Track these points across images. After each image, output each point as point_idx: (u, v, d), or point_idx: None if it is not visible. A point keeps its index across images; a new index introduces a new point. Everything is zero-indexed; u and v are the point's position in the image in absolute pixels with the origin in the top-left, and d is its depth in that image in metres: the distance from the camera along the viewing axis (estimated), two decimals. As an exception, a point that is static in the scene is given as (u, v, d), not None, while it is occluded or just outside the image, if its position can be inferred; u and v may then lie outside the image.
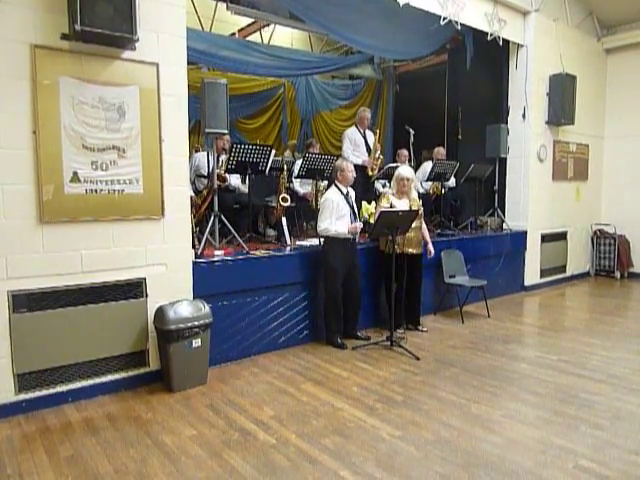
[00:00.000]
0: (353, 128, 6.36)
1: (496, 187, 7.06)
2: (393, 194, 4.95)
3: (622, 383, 3.84)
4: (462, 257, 5.95)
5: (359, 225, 4.64)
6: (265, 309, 4.48)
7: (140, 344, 3.80)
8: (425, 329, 5.22)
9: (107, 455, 2.83)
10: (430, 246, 5.16)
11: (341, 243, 4.60)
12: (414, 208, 4.85)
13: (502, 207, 7.27)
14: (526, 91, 6.98)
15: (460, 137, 7.97)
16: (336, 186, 4.70)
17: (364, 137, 6.30)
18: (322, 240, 4.75)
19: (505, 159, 7.19)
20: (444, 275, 5.73)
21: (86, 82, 3.43)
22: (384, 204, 4.88)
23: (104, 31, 3.19)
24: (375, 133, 6.37)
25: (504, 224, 7.12)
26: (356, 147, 6.24)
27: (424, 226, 5.18)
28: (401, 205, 4.86)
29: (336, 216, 4.55)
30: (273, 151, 5.18)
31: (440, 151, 7.05)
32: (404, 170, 4.99)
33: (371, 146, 6.27)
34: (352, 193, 4.75)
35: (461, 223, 7.03)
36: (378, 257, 5.08)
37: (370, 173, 6.16)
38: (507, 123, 7.17)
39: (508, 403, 3.51)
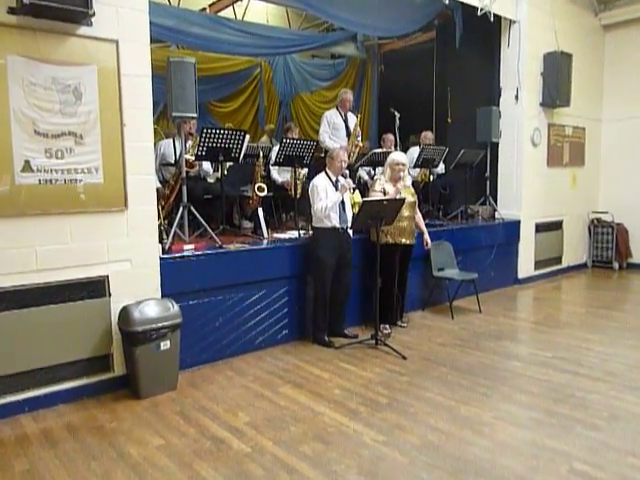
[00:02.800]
0: (334, 110, 6.36)
1: (487, 174, 7.10)
2: (386, 181, 4.98)
3: (619, 380, 3.89)
4: (452, 249, 5.98)
5: (349, 181, 4.65)
6: (240, 307, 4.47)
7: (103, 348, 3.76)
8: (404, 324, 5.26)
9: (67, 469, 2.79)
10: (427, 236, 5.25)
11: (332, 234, 4.61)
12: (409, 197, 4.93)
13: (494, 195, 7.31)
14: (519, 71, 7.01)
15: (449, 120, 8.00)
16: (326, 173, 4.75)
17: (345, 121, 6.29)
18: (311, 231, 4.80)
19: (497, 144, 7.23)
20: (433, 268, 5.75)
21: (38, 61, 3.35)
22: (377, 189, 4.91)
23: (55, 4, 3.11)
24: (357, 117, 6.38)
25: (496, 213, 7.18)
26: (335, 131, 6.24)
27: (419, 215, 5.24)
28: (394, 193, 4.89)
29: (327, 199, 4.60)
30: (247, 136, 5.19)
31: (427, 135, 7.06)
32: (398, 155, 5.01)
33: (351, 131, 6.27)
34: (341, 180, 4.78)
35: (450, 212, 7.07)
36: (368, 249, 5.12)
37: (347, 160, 6.15)
38: (499, 105, 7.21)
39: (499, 404, 3.53)
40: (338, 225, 4.66)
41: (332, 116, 6.27)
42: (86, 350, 3.69)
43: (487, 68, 7.38)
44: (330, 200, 4.57)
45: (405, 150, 7.11)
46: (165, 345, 3.70)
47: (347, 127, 6.28)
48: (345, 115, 6.30)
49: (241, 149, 4.97)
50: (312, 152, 5.40)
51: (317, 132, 6.52)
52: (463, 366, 4.22)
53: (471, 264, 6.32)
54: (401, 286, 5.23)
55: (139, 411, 3.48)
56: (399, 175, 4.91)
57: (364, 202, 4.45)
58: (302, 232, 5.18)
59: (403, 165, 4.92)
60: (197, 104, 4.25)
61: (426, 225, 5.55)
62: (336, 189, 4.71)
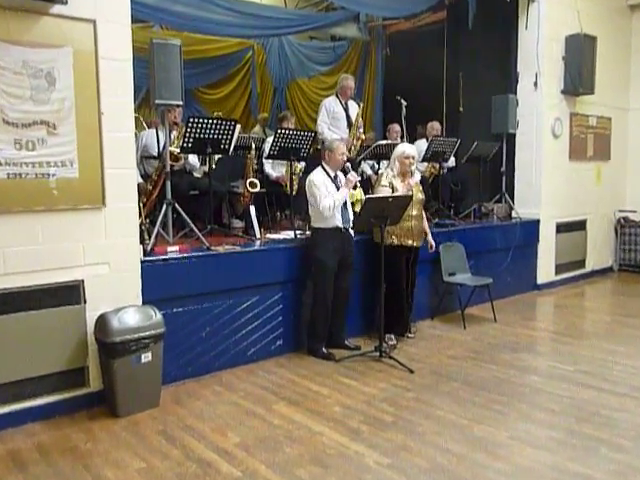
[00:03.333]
0: (333, 98, 6.37)
1: (503, 168, 7.11)
2: (394, 175, 4.99)
3: (648, 397, 3.92)
4: (464, 251, 6.00)
5: (354, 175, 4.68)
6: (230, 315, 4.48)
7: (78, 360, 3.74)
8: (411, 335, 5.29)
9: (37, 495, 2.78)
10: (430, 238, 5.25)
11: (334, 234, 4.65)
12: (417, 193, 4.95)
13: (510, 192, 7.32)
14: (538, 55, 7.01)
15: (461, 110, 8.00)
16: (323, 168, 4.75)
17: (345, 110, 6.30)
18: (308, 231, 4.83)
19: (514, 135, 7.23)
20: (443, 273, 5.76)
21: (7, 43, 3.33)
22: (384, 183, 4.92)
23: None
24: (359, 106, 6.38)
25: (513, 212, 7.19)
26: (334, 121, 6.24)
27: (423, 214, 5.24)
28: (400, 190, 4.89)
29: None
30: (238, 126, 5.23)
31: (434, 126, 7.07)
32: (408, 147, 5.03)
33: (353, 121, 6.27)
34: (341, 177, 4.79)
35: (463, 211, 7.08)
36: (372, 251, 5.12)
37: (348, 154, 6.13)
38: (516, 93, 7.22)
39: (516, 423, 3.53)
40: (341, 225, 4.69)
41: (331, 104, 6.28)
42: (59, 363, 3.67)
43: (503, 52, 7.39)
44: (338, 197, 4.59)
45: (412, 142, 7.08)
46: (146, 357, 3.69)
47: (348, 117, 6.29)
48: (346, 103, 6.31)
49: (231, 140, 4.96)
50: (310, 144, 5.41)
51: (315, 122, 6.55)
52: (476, 381, 4.22)
53: (485, 268, 6.34)
54: (408, 293, 5.23)
55: (117, 430, 3.45)
56: (409, 169, 4.91)
57: (367, 199, 4.48)
58: (299, 232, 5.18)
59: (413, 158, 4.94)
60: (183, 90, 4.26)
61: (436, 225, 5.60)
62: (335, 185, 4.71)
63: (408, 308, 5.26)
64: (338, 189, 4.71)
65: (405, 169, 4.93)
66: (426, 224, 5.27)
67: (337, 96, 6.34)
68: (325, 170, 4.76)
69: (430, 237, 5.28)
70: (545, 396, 3.94)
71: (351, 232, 4.81)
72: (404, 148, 4.99)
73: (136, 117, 4.13)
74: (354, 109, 6.34)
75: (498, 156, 7.01)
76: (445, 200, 6.88)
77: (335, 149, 4.72)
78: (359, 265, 5.07)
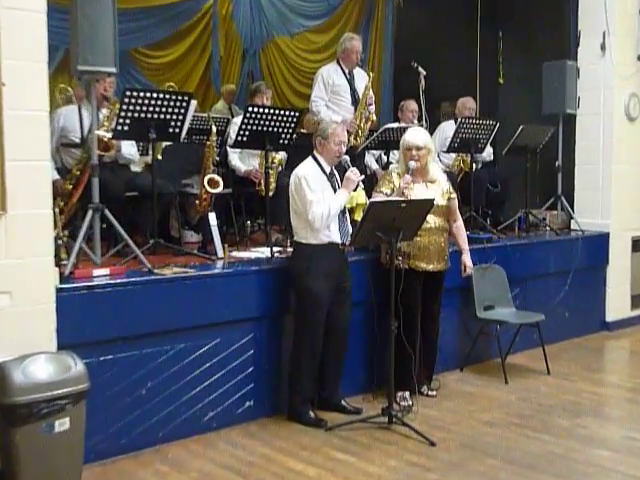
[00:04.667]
0: (333, 66, 6.43)
1: (559, 162, 7.15)
2: (399, 173, 5.07)
3: None
4: (505, 277, 6.01)
5: (355, 171, 4.73)
6: (181, 366, 4.48)
7: (-35, 428, 3.67)
8: (433, 392, 5.30)
9: None
10: (467, 257, 5.29)
11: (328, 253, 4.70)
12: (437, 197, 4.90)
13: (569, 195, 7.35)
14: (606, 8, 7.03)
15: (501, 81, 8.10)
16: (314, 159, 4.79)
17: (350, 81, 6.37)
18: (290, 247, 4.92)
19: (573, 117, 7.27)
20: (476, 306, 5.77)
21: None
22: (384, 190, 4.98)
23: None
24: (369, 75, 6.47)
25: (572, 222, 7.24)
26: (335, 96, 6.32)
27: (459, 223, 5.34)
28: (415, 192, 4.91)
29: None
30: (194, 102, 5.14)
31: (466, 104, 7.10)
32: (412, 134, 5.05)
33: (360, 96, 6.31)
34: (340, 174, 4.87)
35: (503, 221, 7.10)
36: (377, 276, 5.11)
37: (351, 141, 6.19)
38: (576, 59, 7.26)
39: (578, 517, 3.51)
40: (339, 240, 4.71)
41: (331, 74, 6.34)
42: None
43: (558, 4, 7.47)
44: (335, 204, 4.61)
45: (434, 125, 7.15)
46: (62, 425, 3.61)
47: (353, 90, 6.36)
48: (350, 73, 6.37)
49: (183, 122, 4.97)
50: (293, 127, 5.44)
51: (301, 96, 6.64)
52: (522, 457, 4.18)
53: (535, 300, 6.34)
54: (428, 333, 5.25)
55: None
56: (411, 165, 4.94)
57: (372, 205, 4.46)
58: (277, 250, 5.18)
59: (418, 149, 4.94)
60: (117, 53, 4.29)
61: (468, 240, 5.56)
62: (332, 185, 4.72)
63: (428, 356, 5.25)
64: (335, 191, 4.72)
65: (407, 165, 4.99)
66: (464, 237, 5.33)
67: (339, 63, 6.39)
68: (318, 163, 4.76)
69: (467, 256, 5.29)
70: (619, 478, 3.90)
71: (346, 251, 4.87)
72: (406, 136, 5.05)
73: (51, 89, 4.09)
74: (362, 80, 6.40)
75: (552, 146, 7.04)
76: (479, 206, 6.85)
77: (330, 135, 4.70)
78: (358, 295, 5.08)
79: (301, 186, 4.62)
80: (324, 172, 4.75)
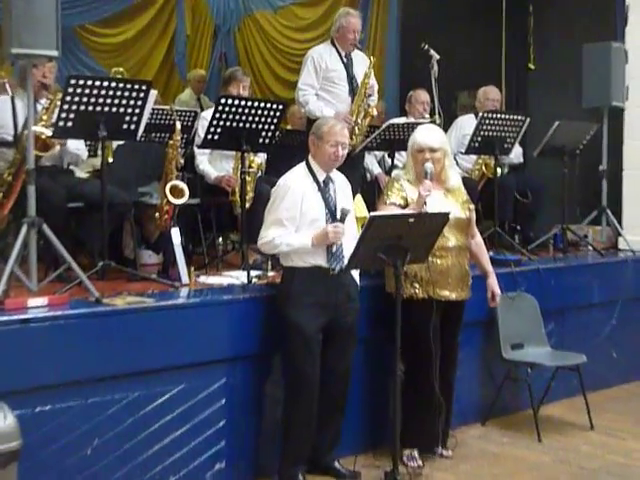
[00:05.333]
0: (326, 46, 6.52)
1: (603, 167, 7.18)
2: (409, 180, 5.04)
3: None
4: (537, 308, 6.00)
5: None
6: (136, 418, 4.41)
7: None
8: (448, 452, 5.23)
9: None
10: (493, 281, 5.30)
11: (313, 278, 4.67)
12: (455, 209, 4.91)
13: (615, 206, 7.35)
14: (660, -23, 7.15)
15: (532, 67, 8.09)
16: (307, 165, 4.81)
17: (347, 65, 6.42)
18: (270, 271, 5.05)
19: (621, 111, 7.28)
20: (501, 344, 5.73)
21: None
22: (393, 199, 4.97)
23: None
24: (370, 59, 6.48)
25: (620, 240, 7.20)
26: (328, 84, 6.37)
27: (478, 240, 5.34)
28: (430, 203, 4.81)
29: (299, 221, 4.64)
30: (154, 92, 5.14)
31: (489, 94, 7.18)
32: (425, 133, 5.04)
33: (358, 84, 6.35)
34: (340, 182, 4.86)
35: (535, 238, 7.09)
36: (382, 307, 5.09)
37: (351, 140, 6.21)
38: (623, 40, 7.27)
39: None
40: (325, 263, 4.64)
41: (324, 56, 6.39)
42: None
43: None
44: (294, 242, 4.57)
45: (450, 120, 7.16)
46: (-17, 495, 3.60)
47: (351, 77, 6.40)
48: (347, 56, 6.43)
49: (140, 116, 4.99)
50: (276, 123, 5.46)
51: (286, 85, 6.78)
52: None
53: (574, 337, 6.32)
54: (443, 379, 5.13)
55: None
56: (429, 168, 4.86)
57: (373, 219, 4.37)
58: (255, 274, 5.16)
59: (432, 152, 4.90)
60: (59, 31, 4.29)
61: (492, 261, 5.58)
62: (324, 198, 4.66)
63: (442, 406, 5.13)
64: (328, 203, 4.66)
65: (420, 169, 4.94)
66: (485, 256, 5.35)
67: (333, 44, 6.45)
68: (311, 170, 4.75)
69: (493, 280, 5.29)
70: None
71: (353, 275, 4.83)
72: (418, 135, 5.03)
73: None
74: (361, 65, 6.44)
75: (594, 146, 7.04)
76: (505, 220, 6.92)
77: (325, 134, 4.67)
78: (359, 331, 5.01)
79: (274, 198, 4.67)
80: (316, 181, 4.70)
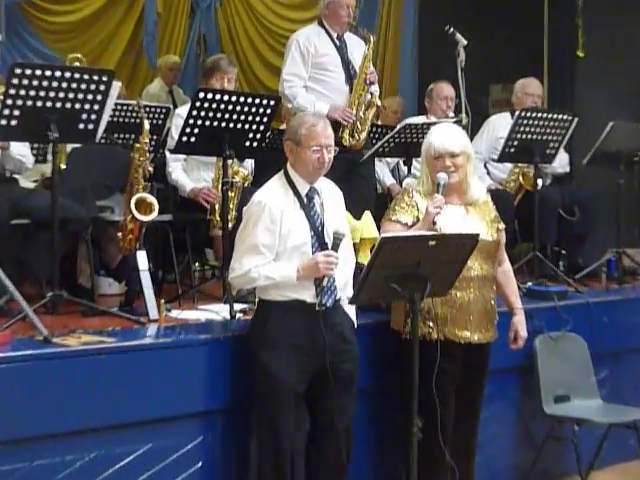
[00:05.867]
0: (313, 28, 6.66)
1: (669, 180, 7.21)
2: (423, 193, 4.95)
3: None
4: (587, 351, 5.90)
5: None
6: None
7: None
8: None
9: None
10: (520, 320, 5.14)
11: (299, 317, 4.55)
12: (482, 228, 4.81)
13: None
14: None
15: (581, 55, 8.06)
16: (286, 177, 4.67)
17: (339, 49, 6.50)
18: (251, 304, 5.03)
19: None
20: (542, 396, 5.62)
21: None
22: (403, 218, 4.87)
23: None
24: (368, 42, 6.49)
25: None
26: (320, 72, 6.45)
27: (507, 267, 5.24)
28: (447, 221, 4.73)
29: (279, 247, 4.54)
30: (117, 84, 5.10)
31: (529, 88, 7.17)
32: (443, 134, 4.93)
33: (357, 70, 6.42)
34: (328, 191, 4.74)
35: (584, 266, 7.11)
36: (390, 351, 5.05)
37: (348, 140, 6.27)
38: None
39: None
40: (310, 298, 4.51)
41: (311, 39, 6.49)
42: None
43: None
44: (274, 275, 4.46)
45: (480, 120, 7.33)
46: None
47: (346, 63, 6.47)
48: (340, 38, 6.51)
49: (101, 113, 4.93)
50: (266, 122, 5.44)
51: (277, 74, 6.86)
52: None
53: (631, 387, 6.26)
54: (463, 439, 5.10)
55: None
56: (442, 179, 4.76)
57: (384, 241, 4.21)
58: (239, 308, 5.15)
59: (453, 157, 4.78)
60: (1, 9, 4.74)
61: (528, 294, 5.73)
62: (308, 216, 4.53)
63: (463, 471, 5.02)
64: (315, 222, 4.56)
65: (435, 178, 4.84)
66: (513, 285, 5.24)
67: (321, 25, 6.55)
68: (290, 182, 4.60)
69: (520, 317, 5.11)
70: None
71: (348, 311, 4.68)
72: (433, 137, 4.92)
73: None
74: (357, 48, 6.53)
75: None
76: (547, 242, 6.91)
77: (304, 138, 4.51)
78: (363, 380, 4.91)
79: (247, 220, 4.57)
80: (298, 195, 4.55)
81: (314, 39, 6.38)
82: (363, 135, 6.22)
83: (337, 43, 6.41)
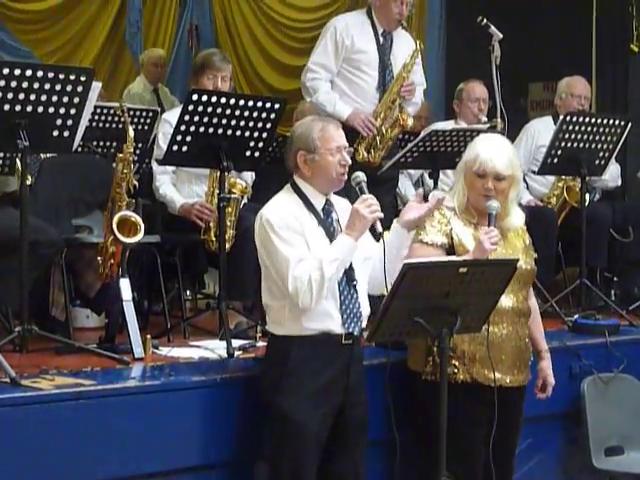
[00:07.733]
0: (358, 16, 6.46)
1: None
2: (455, 210, 4.74)
3: None
4: None
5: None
6: None
7: None
8: None
9: None
10: (547, 365, 4.97)
11: (321, 352, 4.34)
12: (520, 255, 4.65)
13: None
14: None
15: (636, 48, 7.93)
16: (295, 188, 4.45)
17: (382, 47, 6.29)
18: (259, 342, 4.96)
19: None
20: (591, 448, 5.50)
21: None
22: (435, 238, 4.63)
23: None
24: (417, 45, 6.36)
25: None
26: (352, 68, 6.27)
27: (533, 302, 5.00)
28: (481, 250, 4.51)
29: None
30: (97, 85, 5.01)
31: (575, 88, 7.04)
32: (492, 151, 4.67)
33: (394, 75, 6.27)
34: (341, 205, 4.53)
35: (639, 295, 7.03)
36: (402, 394, 4.81)
37: (362, 154, 6.07)
38: None
39: None
40: (340, 329, 4.27)
41: (350, 30, 6.27)
42: None
43: None
44: (333, 257, 4.20)
45: (518, 125, 7.19)
46: None
47: (384, 65, 6.28)
48: (386, 35, 6.31)
49: (78, 118, 4.78)
50: (270, 128, 5.32)
51: (287, 73, 6.95)
52: None
53: None
54: None
55: None
56: (492, 212, 4.50)
57: (408, 268, 3.93)
58: (240, 344, 5.00)
59: (498, 180, 4.55)
60: None
61: (573, 327, 5.72)
62: (327, 230, 4.31)
63: None
64: (332, 238, 4.29)
65: (478, 198, 4.59)
66: (539, 328, 5.04)
67: (369, 15, 6.32)
68: (300, 194, 4.35)
69: (547, 362, 4.93)
70: None
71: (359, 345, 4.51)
72: (478, 148, 4.65)
73: None
74: (403, 50, 6.31)
75: None
76: (597, 266, 6.82)
77: (320, 141, 4.31)
78: (373, 432, 4.72)
79: (268, 236, 4.26)
80: (312, 209, 4.30)
81: (354, 30, 6.19)
82: (380, 154, 6.04)
83: (381, 40, 6.23)
